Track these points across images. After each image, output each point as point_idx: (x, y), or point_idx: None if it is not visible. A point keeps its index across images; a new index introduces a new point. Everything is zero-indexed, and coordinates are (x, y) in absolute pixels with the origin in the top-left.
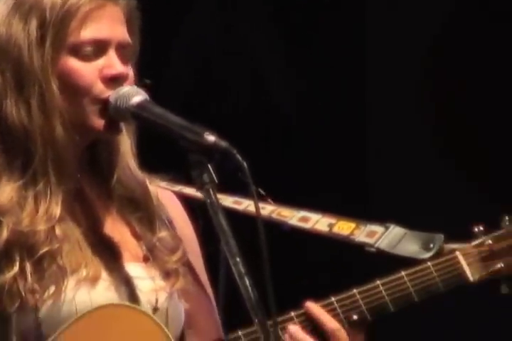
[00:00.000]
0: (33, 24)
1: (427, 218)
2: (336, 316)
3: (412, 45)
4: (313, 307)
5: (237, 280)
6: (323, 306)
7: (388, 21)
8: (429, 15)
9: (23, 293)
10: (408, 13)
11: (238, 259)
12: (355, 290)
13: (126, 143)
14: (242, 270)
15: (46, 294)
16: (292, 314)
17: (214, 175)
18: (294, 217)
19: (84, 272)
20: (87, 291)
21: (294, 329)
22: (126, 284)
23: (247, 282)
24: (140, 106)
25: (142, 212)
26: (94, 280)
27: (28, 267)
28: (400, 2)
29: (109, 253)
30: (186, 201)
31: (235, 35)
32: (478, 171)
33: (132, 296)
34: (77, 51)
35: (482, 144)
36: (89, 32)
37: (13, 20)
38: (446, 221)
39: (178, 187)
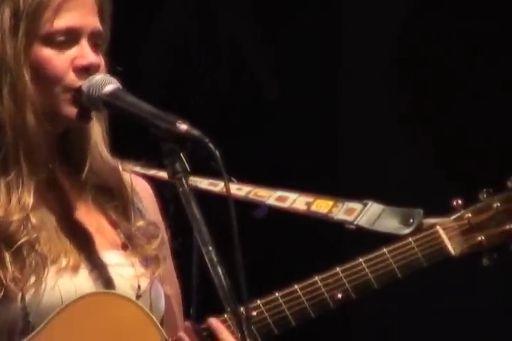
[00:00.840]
0: (6, 13)
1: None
2: (320, 295)
3: (382, 32)
4: (213, 321)
5: (209, 268)
6: (308, 285)
7: (363, 10)
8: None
9: (4, 282)
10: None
11: (211, 248)
12: (338, 269)
13: (97, 131)
14: (215, 258)
15: (28, 283)
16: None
17: (186, 164)
18: (271, 196)
19: (64, 261)
20: (69, 280)
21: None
22: (107, 272)
23: (220, 270)
24: (112, 94)
25: (117, 201)
26: (74, 269)
27: (7, 257)
28: None
29: (86, 242)
30: (158, 186)
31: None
32: (445, 157)
33: (110, 284)
34: (50, 40)
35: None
36: (62, 21)
37: None
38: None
39: (153, 171)
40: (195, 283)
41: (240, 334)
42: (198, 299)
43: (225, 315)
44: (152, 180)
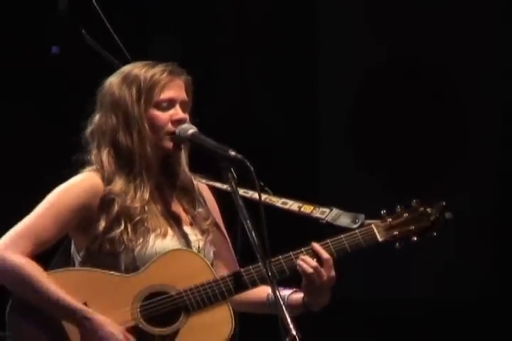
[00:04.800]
0: (134, 90)
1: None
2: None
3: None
4: (315, 244)
5: (247, 232)
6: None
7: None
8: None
9: (126, 241)
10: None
11: (248, 221)
12: (314, 243)
13: (184, 156)
14: (250, 226)
15: (138, 242)
16: (302, 249)
17: (235, 175)
18: (278, 201)
19: (158, 230)
20: (161, 241)
21: (304, 256)
22: (183, 237)
23: (254, 233)
24: (193, 135)
25: (189, 196)
26: (164, 235)
27: (129, 227)
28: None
29: (172, 220)
30: (215, 190)
31: None
32: (383, 172)
33: (186, 244)
34: (158, 105)
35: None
36: (165, 94)
37: (123, 87)
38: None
39: (211, 182)
40: (239, 240)
41: (265, 270)
42: (240, 250)
43: (326, 241)
44: (210, 186)
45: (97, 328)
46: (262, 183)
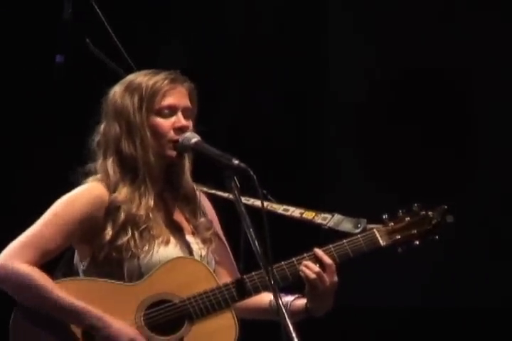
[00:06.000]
0: (136, 98)
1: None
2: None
3: None
4: (318, 250)
5: (250, 241)
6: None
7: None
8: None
9: (132, 249)
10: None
11: (251, 230)
12: (316, 249)
13: (186, 165)
14: (254, 235)
15: (144, 249)
16: (305, 255)
17: (238, 183)
18: (280, 208)
19: (161, 238)
20: (164, 249)
21: (307, 262)
22: (186, 246)
23: (257, 242)
24: (196, 144)
25: (191, 206)
26: (167, 243)
27: (136, 234)
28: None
29: (174, 229)
30: (215, 198)
31: None
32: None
33: (189, 252)
34: (160, 113)
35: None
36: (166, 101)
37: (125, 95)
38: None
39: (212, 191)
40: (242, 249)
41: (267, 277)
42: (243, 258)
43: (329, 246)
44: (211, 195)
45: (111, 329)
46: (265, 191)
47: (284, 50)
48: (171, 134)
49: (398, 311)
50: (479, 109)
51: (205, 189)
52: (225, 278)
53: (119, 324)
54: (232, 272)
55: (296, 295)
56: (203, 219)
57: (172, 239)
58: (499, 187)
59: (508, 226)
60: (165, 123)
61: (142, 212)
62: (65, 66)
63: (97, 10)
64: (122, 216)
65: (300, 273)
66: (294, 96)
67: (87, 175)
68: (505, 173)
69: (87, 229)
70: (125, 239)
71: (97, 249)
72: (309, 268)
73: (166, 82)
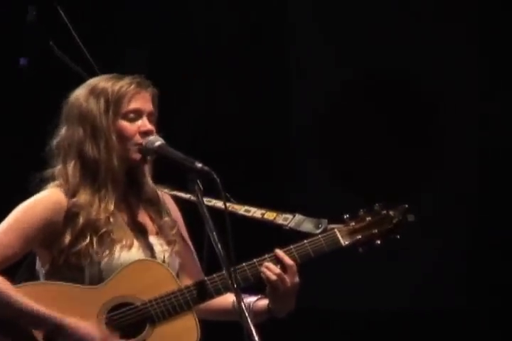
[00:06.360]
0: (102, 101)
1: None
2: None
3: None
4: (279, 251)
5: (213, 244)
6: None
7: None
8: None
9: (91, 254)
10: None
11: (214, 233)
12: (277, 250)
13: (147, 167)
14: (216, 238)
15: (104, 254)
16: (266, 256)
17: (201, 186)
18: (241, 209)
19: (124, 242)
20: (126, 252)
21: (268, 263)
22: (148, 248)
23: (219, 245)
24: (160, 147)
25: (155, 207)
26: (130, 247)
27: (94, 239)
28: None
29: (137, 231)
30: (177, 199)
31: None
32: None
33: (151, 255)
34: (125, 116)
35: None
36: (132, 106)
37: (90, 99)
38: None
39: (174, 192)
40: (205, 251)
41: (229, 280)
42: (206, 260)
43: (290, 247)
44: (174, 196)
45: (76, 332)
46: (228, 194)
47: (247, 51)
48: (137, 138)
49: (362, 314)
50: (443, 109)
51: (166, 190)
52: (189, 280)
53: (86, 329)
54: (197, 274)
55: (259, 296)
56: (167, 218)
57: (135, 243)
58: (459, 187)
59: (478, 229)
60: (131, 127)
61: (102, 216)
62: (29, 69)
63: (61, 13)
64: (81, 221)
65: (261, 274)
66: (259, 98)
67: (46, 180)
68: (466, 175)
69: (47, 234)
70: (83, 244)
71: (57, 254)
72: (270, 270)
73: (132, 86)
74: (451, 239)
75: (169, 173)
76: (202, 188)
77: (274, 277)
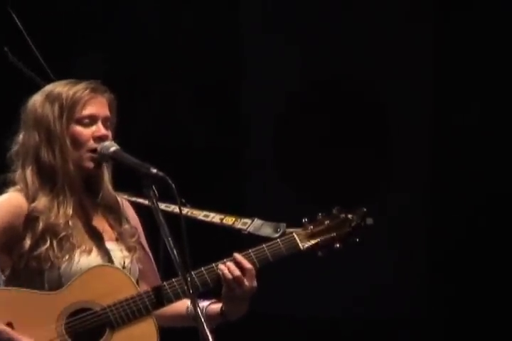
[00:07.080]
0: (56, 107)
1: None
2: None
3: None
4: (237, 255)
5: (169, 250)
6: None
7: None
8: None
9: (52, 258)
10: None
11: (170, 238)
12: (235, 254)
13: (106, 174)
14: (172, 244)
15: (64, 259)
16: (224, 260)
17: (156, 191)
18: (200, 214)
19: (84, 247)
20: (86, 258)
21: (229, 262)
22: (107, 254)
23: (175, 251)
24: (115, 152)
25: (114, 214)
26: (89, 252)
27: (54, 243)
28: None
29: (97, 237)
30: (137, 206)
31: None
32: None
33: (110, 261)
34: (80, 122)
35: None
36: (87, 111)
37: (45, 104)
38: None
39: (134, 198)
40: (161, 257)
41: (185, 285)
42: (162, 265)
43: (248, 251)
44: (133, 203)
45: None
46: (183, 200)
47: (201, 54)
48: (91, 143)
49: (312, 320)
50: (392, 116)
51: (125, 196)
52: (148, 287)
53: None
54: (155, 282)
55: (213, 300)
56: (127, 226)
57: (94, 248)
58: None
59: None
60: (85, 132)
61: (61, 220)
62: None
63: (15, 18)
64: (41, 225)
65: (218, 271)
66: (213, 101)
67: (6, 185)
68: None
69: (7, 239)
70: (44, 248)
71: (17, 259)
72: (229, 269)
73: (86, 91)
74: (407, 249)
75: (129, 179)
76: (157, 194)
77: (231, 276)
